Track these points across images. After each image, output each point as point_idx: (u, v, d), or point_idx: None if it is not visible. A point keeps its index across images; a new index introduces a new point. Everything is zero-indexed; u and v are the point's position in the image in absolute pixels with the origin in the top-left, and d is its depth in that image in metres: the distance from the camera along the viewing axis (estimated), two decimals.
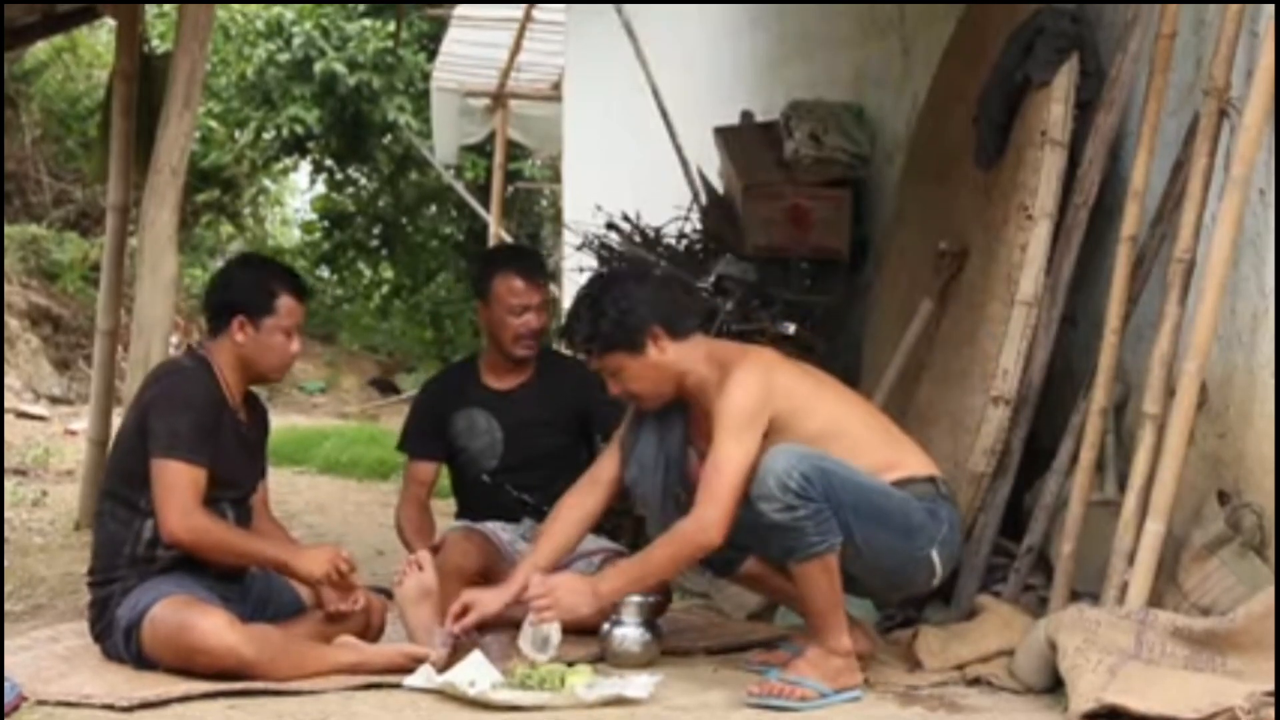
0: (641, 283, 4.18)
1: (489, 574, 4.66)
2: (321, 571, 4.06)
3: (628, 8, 8.55)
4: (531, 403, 4.93)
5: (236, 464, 4.14)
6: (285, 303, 4.14)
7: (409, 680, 3.90)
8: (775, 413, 3.94)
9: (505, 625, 4.20)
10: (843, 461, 3.86)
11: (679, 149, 7.86)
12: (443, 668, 3.93)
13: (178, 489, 3.92)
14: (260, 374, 4.20)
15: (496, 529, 4.87)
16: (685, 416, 4.18)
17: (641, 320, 4.02)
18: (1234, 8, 4.15)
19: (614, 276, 4.34)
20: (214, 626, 3.81)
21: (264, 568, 4.16)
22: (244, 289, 4.15)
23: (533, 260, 5.14)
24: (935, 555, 3.98)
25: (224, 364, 4.11)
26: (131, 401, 4.30)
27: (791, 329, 5.78)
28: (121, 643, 3.96)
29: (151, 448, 3.96)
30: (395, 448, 5.22)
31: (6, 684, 3.56)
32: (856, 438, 4.00)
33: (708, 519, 3.88)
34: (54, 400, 11.57)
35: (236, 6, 14.92)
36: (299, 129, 15.22)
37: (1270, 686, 3.43)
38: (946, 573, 4.09)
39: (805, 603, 3.97)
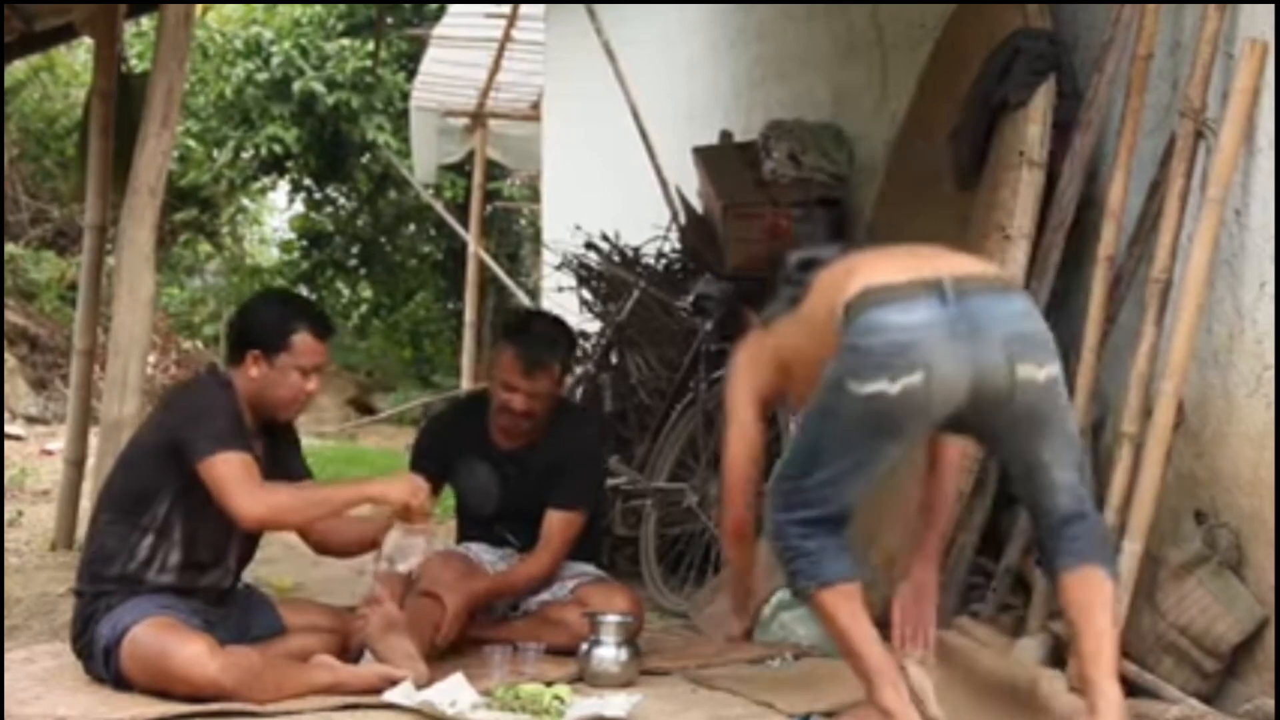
0: None
1: None
2: (409, 495, 4.01)
3: (607, 27, 8.55)
4: (534, 465, 4.77)
5: None
6: (302, 340, 4.10)
7: (388, 694, 3.89)
8: None
9: (507, 641, 4.28)
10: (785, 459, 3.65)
11: (658, 169, 7.86)
12: (423, 685, 3.92)
13: (237, 477, 3.88)
14: (271, 410, 4.13)
15: (480, 550, 4.84)
16: None
17: None
18: (1210, 30, 4.18)
19: None
20: (194, 655, 3.79)
21: (351, 507, 4.09)
22: (261, 324, 4.13)
23: (532, 345, 4.72)
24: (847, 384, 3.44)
25: (241, 393, 4.09)
26: (151, 417, 4.27)
27: None
28: (101, 661, 3.93)
29: (193, 455, 3.90)
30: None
31: None
32: None
33: None
34: (30, 420, 11.52)
35: (215, 26, 14.89)
36: (277, 148, 15.17)
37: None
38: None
39: None
